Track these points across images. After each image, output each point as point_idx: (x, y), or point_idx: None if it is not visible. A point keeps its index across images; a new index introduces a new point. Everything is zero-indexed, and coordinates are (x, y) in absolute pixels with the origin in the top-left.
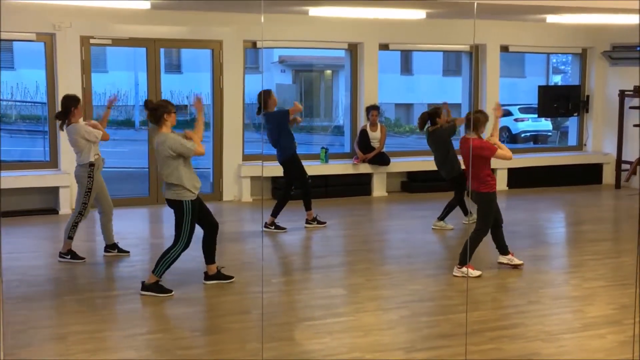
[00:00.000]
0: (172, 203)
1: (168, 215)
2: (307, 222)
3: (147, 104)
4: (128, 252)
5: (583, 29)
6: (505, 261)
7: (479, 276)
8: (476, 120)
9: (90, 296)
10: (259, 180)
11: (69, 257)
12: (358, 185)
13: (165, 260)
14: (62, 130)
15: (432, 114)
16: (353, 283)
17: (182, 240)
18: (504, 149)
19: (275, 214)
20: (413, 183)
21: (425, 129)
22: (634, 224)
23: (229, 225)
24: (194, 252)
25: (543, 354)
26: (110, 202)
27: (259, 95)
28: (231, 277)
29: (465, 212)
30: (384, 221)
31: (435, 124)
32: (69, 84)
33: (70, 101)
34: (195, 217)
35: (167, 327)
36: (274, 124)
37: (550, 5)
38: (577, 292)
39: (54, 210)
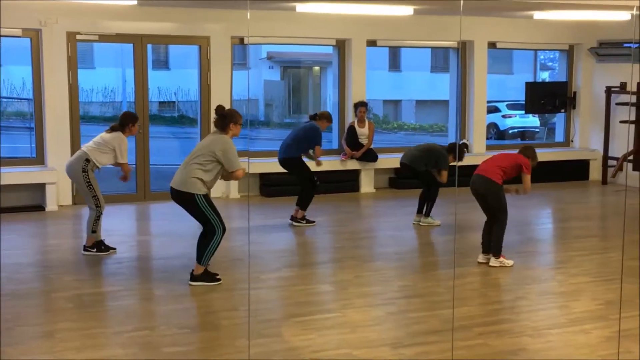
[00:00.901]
0: (182, 196)
1: (156, 212)
2: (295, 219)
3: (218, 110)
4: (115, 248)
5: (570, 25)
6: (483, 260)
7: (512, 265)
8: (532, 157)
9: (77, 293)
10: (247, 177)
11: (94, 250)
12: (346, 182)
13: (209, 250)
14: (110, 133)
15: (462, 153)
16: (341, 279)
17: (218, 228)
18: (528, 183)
19: (304, 207)
20: (401, 180)
21: (443, 146)
22: (620, 220)
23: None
24: (182, 250)
25: (529, 349)
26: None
27: (323, 113)
28: (218, 280)
29: (421, 211)
30: (372, 218)
31: (449, 152)
32: (55, 80)
33: (128, 118)
34: (212, 205)
35: (155, 324)
36: (308, 136)
37: (537, 1)
38: (563, 287)
39: (40, 207)
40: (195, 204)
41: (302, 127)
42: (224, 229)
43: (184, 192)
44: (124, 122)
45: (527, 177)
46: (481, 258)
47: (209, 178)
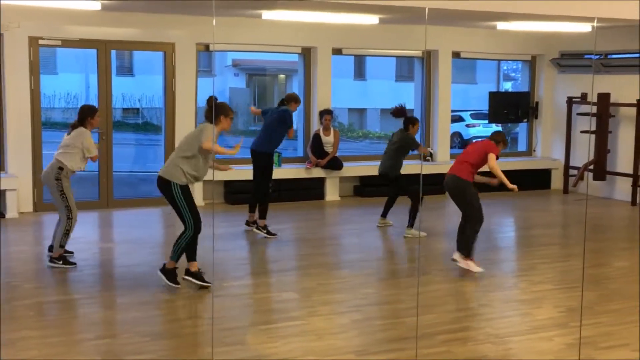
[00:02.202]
0: (162, 184)
1: (119, 219)
2: (257, 227)
3: (209, 101)
4: (75, 264)
5: (532, 36)
6: (463, 265)
7: (477, 272)
8: (501, 140)
9: (38, 301)
10: (211, 184)
11: (60, 262)
12: (311, 190)
13: (177, 246)
14: (71, 132)
15: (413, 120)
16: (306, 287)
17: (188, 225)
18: (499, 173)
19: (263, 216)
20: (365, 188)
21: (400, 130)
22: (581, 228)
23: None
24: (145, 257)
25: (492, 356)
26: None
27: (290, 95)
28: (177, 284)
29: (385, 215)
30: (337, 225)
31: (407, 129)
32: (17, 85)
33: (86, 111)
34: (189, 200)
35: (117, 332)
36: (281, 119)
37: (500, 11)
38: (525, 295)
39: (0, 214)
40: (170, 193)
41: (274, 114)
42: (196, 229)
43: (165, 180)
44: (82, 117)
45: (492, 156)
46: (455, 255)
47: (190, 168)
